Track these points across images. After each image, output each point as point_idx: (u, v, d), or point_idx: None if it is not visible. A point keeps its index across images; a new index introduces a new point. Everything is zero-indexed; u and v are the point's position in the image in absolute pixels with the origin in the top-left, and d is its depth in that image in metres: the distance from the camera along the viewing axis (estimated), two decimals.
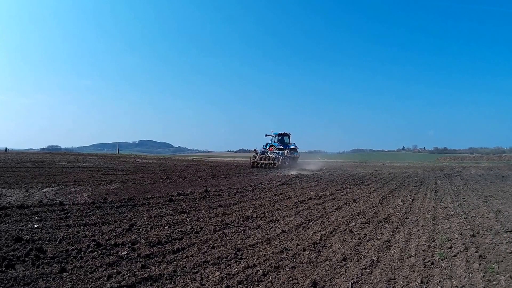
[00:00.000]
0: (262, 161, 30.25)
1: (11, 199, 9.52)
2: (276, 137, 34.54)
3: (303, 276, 4.78)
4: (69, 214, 8.08)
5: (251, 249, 5.96)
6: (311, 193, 13.07)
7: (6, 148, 76.62)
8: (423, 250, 6.02)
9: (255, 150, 34.74)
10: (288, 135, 35.14)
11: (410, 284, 4.56)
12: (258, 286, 4.45)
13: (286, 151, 32.29)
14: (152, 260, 5.24)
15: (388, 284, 4.56)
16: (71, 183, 13.51)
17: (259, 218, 8.44)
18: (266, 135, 35.03)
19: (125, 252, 5.46)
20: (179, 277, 4.63)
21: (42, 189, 11.74)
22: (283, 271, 4.97)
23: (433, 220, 8.44)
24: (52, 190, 11.61)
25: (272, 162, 29.83)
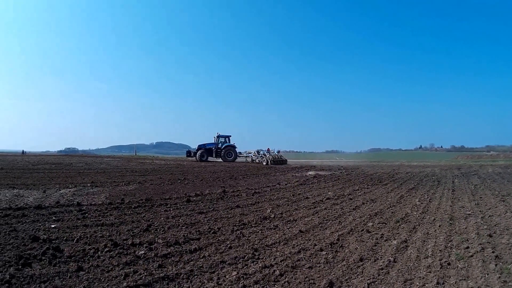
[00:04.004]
0: (276, 159, 35.87)
1: (29, 200, 9.71)
2: (225, 138, 40.78)
3: (320, 276, 4.79)
4: (87, 214, 8.21)
5: (268, 249, 5.98)
6: (329, 193, 13.03)
7: (23, 150, 78.03)
8: (440, 250, 5.98)
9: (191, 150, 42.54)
10: (229, 137, 41.31)
11: (426, 285, 4.53)
12: (274, 286, 4.47)
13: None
14: (169, 260, 5.30)
15: (404, 285, 4.55)
16: (89, 184, 13.68)
17: (276, 219, 8.45)
18: (215, 137, 40.86)
19: (142, 252, 5.54)
20: (196, 276, 4.68)
21: (60, 190, 11.94)
22: (300, 271, 4.98)
23: (450, 220, 8.36)
24: (69, 191, 11.79)
25: (283, 159, 37.07)
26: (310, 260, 5.45)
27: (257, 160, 38.48)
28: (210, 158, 39.08)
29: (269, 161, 35.15)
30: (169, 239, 6.30)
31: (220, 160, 39.14)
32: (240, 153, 42.55)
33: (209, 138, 41.27)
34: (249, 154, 41.77)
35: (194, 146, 40.18)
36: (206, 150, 39.13)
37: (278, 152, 39.36)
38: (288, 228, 7.54)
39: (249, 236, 6.79)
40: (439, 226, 7.75)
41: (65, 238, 6.17)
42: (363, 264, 5.33)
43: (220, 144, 39.97)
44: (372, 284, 4.56)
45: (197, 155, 38.54)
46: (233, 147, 40.53)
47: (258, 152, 39.42)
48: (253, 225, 7.72)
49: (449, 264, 5.29)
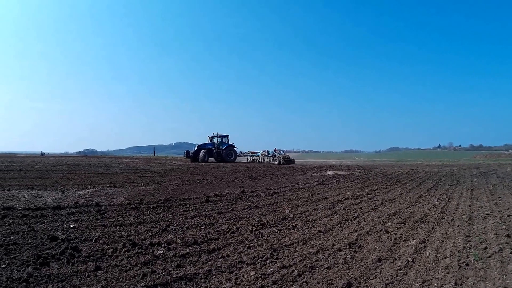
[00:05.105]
0: (287, 159, 37.74)
1: (47, 200, 9.89)
2: (224, 138, 40.94)
3: (338, 277, 4.75)
4: (105, 214, 8.32)
5: (287, 249, 5.96)
6: (348, 193, 12.99)
7: (41, 151, 79.68)
8: (458, 250, 5.89)
9: (187, 151, 41.55)
10: (228, 136, 41.56)
11: (444, 286, 4.46)
12: (292, 286, 4.45)
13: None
14: (188, 260, 5.32)
15: (423, 286, 4.49)
16: (107, 185, 13.88)
17: (295, 219, 8.43)
18: (209, 137, 41.19)
19: (161, 252, 5.57)
20: (214, 276, 4.69)
21: (78, 190, 12.13)
22: (318, 272, 4.95)
23: (468, 220, 8.25)
24: (88, 191, 11.97)
25: (292, 159, 39.00)
26: (328, 261, 5.42)
27: (266, 160, 39.44)
28: (209, 159, 38.54)
29: (281, 160, 36.57)
30: (188, 239, 6.33)
31: (214, 160, 38.65)
32: (241, 153, 43.36)
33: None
34: (253, 155, 42.72)
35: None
36: (207, 150, 38.52)
37: (283, 152, 40.99)
38: (306, 228, 7.51)
39: (267, 236, 6.78)
40: (458, 226, 7.65)
41: (83, 238, 6.25)
42: (381, 264, 5.28)
43: (219, 144, 39.66)
44: (390, 284, 4.51)
45: (200, 155, 37.76)
46: (234, 147, 40.36)
47: (267, 152, 40.17)
48: (271, 225, 7.71)
49: (467, 264, 5.22)
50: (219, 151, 39.01)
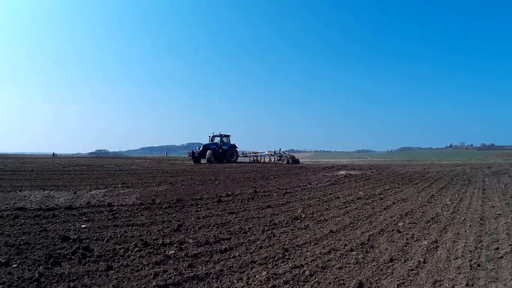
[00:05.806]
0: (294, 159, 38.54)
1: (59, 201, 9.97)
2: (227, 137, 40.63)
3: (350, 277, 4.73)
4: (117, 214, 8.36)
5: (298, 249, 5.95)
6: (360, 192, 12.93)
7: (53, 152, 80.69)
8: (470, 251, 5.82)
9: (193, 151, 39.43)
10: (229, 136, 41.26)
11: (456, 287, 4.42)
12: (304, 286, 4.44)
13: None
14: (199, 260, 5.32)
15: (434, 286, 4.45)
16: (120, 185, 13.96)
17: (307, 218, 8.41)
18: (210, 136, 40.64)
19: (173, 252, 5.58)
20: (226, 276, 4.69)
21: (90, 191, 12.23)
22: (330, 272, 4.93)
23: (480, 220, 8.16)
24: (100, 192, 12.06)
25: (297, 158, 39.70)
26: (340, 261, 5.40)
27: (272, 160, 39.99)
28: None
29: (289, 160, 37.66)
30: (200, 239, 6.34)
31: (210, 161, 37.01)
32: (243, 153, 43.41)
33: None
34: (256, 155, 43.01)
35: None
36: (213, 150, 37.36)
37: (287, 152, 41.90)
38: (318, 228, 7.49)
39: (279, 236, 6.77)
40: (470, 226, 7.57)
41: (95, 238, 6.29)
42: (393, 264, 5.25)
43: (221, 144, 39.05)
44: (402, 285, 4.48)
45: (207, 155, 36.50)
46: (235, 147, 40.23)
47: (274, 152, 40.59)
48: (284, 225, 7.70)
49: (478, 265, 5.17)
50: (223, 151, 38.48)
